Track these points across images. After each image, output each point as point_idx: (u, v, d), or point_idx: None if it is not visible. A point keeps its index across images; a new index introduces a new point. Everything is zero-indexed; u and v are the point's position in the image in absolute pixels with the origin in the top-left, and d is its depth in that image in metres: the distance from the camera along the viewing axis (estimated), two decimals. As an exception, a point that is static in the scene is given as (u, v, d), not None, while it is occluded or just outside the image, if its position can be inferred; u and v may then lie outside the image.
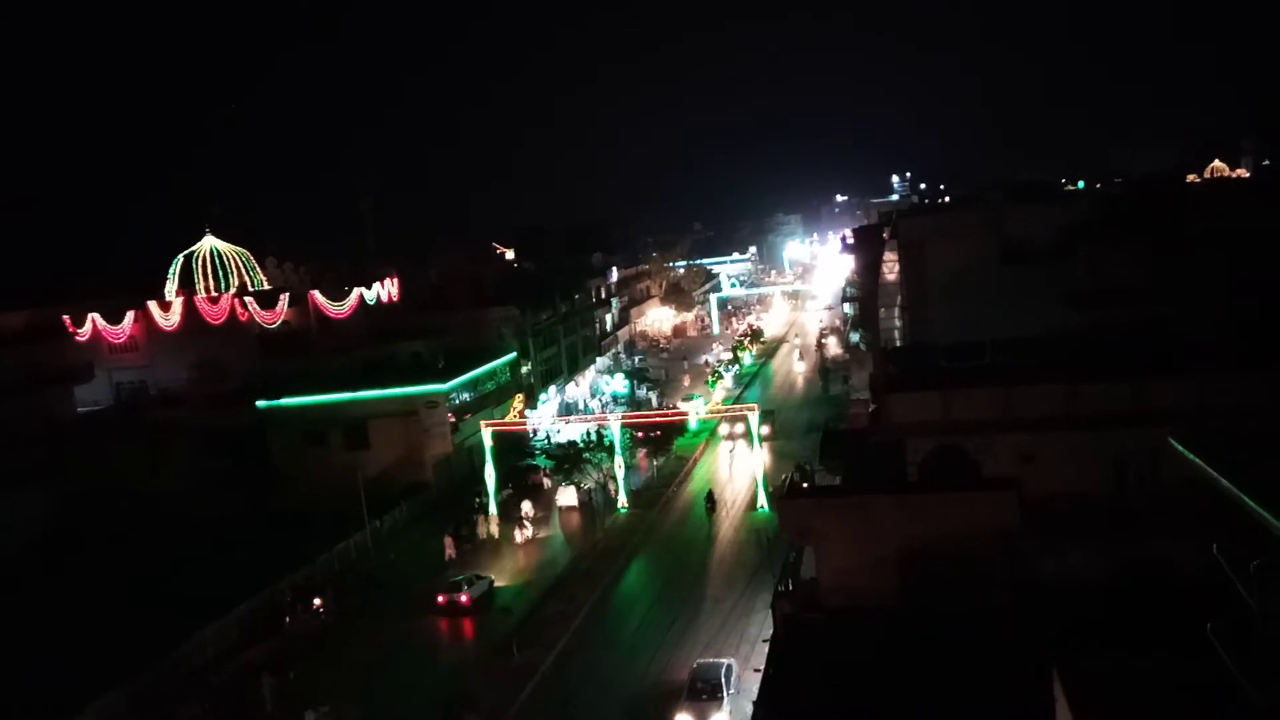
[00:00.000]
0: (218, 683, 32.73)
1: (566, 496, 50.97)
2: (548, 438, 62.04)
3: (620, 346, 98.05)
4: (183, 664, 33.78)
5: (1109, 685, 10.65)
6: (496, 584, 40.87)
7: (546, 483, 53.04)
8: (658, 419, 58.35)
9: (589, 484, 50.45)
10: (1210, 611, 9.28)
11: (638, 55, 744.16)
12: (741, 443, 58.88)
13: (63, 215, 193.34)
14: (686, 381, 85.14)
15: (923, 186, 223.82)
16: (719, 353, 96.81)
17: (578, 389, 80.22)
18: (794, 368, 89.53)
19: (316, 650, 35.61)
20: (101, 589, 40.22)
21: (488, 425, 51.83)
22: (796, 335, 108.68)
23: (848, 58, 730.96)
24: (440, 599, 38.76)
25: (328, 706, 30.48)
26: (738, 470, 56.18)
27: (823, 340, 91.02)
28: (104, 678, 31.48)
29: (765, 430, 54.30)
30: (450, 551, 44.30)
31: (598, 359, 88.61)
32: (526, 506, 48.30)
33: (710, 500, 48.22)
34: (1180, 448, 9.89)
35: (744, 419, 55.97)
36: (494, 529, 47.37)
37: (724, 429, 61.90)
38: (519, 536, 46.28)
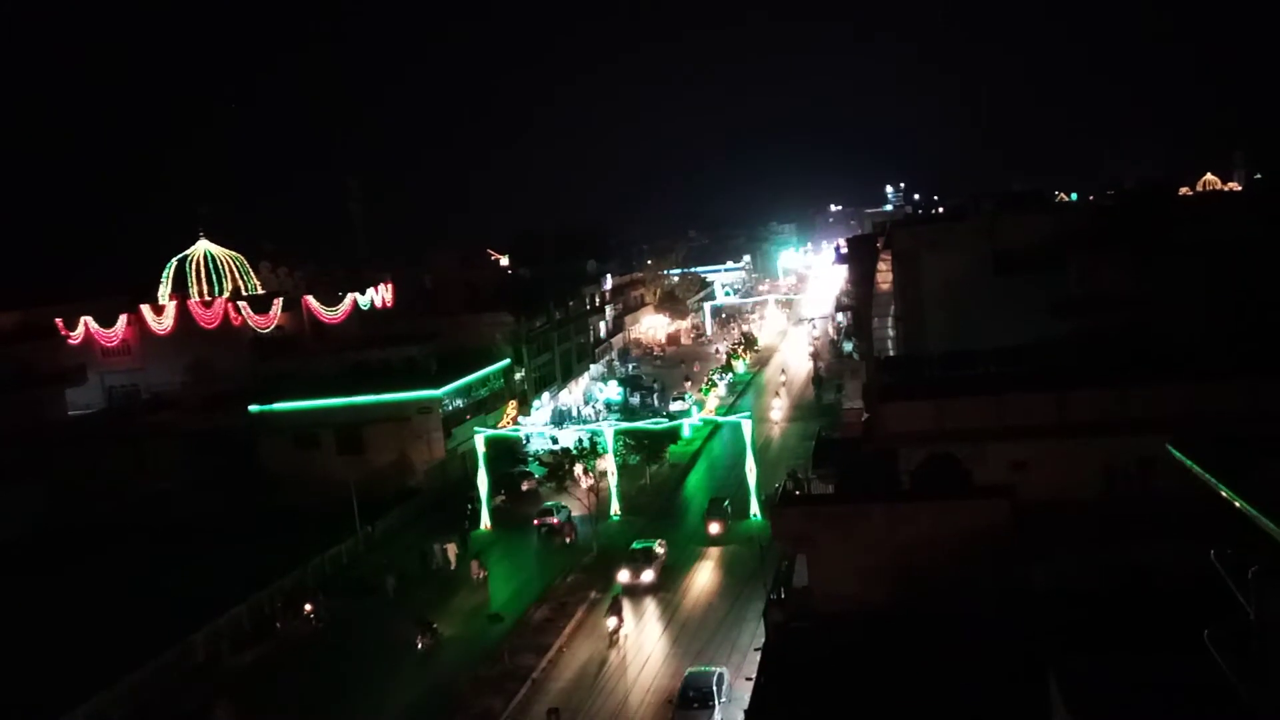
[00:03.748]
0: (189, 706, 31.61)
1: (606, 464, 51.84)
2: (553, 440, 61.97)
3: (614, 353, 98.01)
4: (171, 668, 33.54)
5: (1106, 687, 10.66)
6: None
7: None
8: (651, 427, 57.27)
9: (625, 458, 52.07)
10: (1203, 617, 9.32)
11: (632, 59, 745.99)
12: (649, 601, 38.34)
13: (56, 218, 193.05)
14: (693, 369, 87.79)
15: (916, 196, 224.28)
16: (723, 348, 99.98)
17: (571, 396, 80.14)
18: (770, 414, 70.15)
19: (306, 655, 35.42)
20: (91, 591, 40.00)
21: (481, 431, 51.74)
22: (782, 371, 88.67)
23: (844, 65, 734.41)
24: (536, 522, 47.08)
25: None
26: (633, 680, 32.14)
27: (815, 352, 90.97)
28: (92, 680, 31.22)
29: (716, 529, 44.68)
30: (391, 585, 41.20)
31: (592, 366, 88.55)
32: (578, 469, 51.34)
33: None
34: (1177, 454, 9.93)
35: (662, 549, 41.46)
36: (452, 558, 43.41)
37: (623, 575, 39.15)
38: (584, 484, 51.02)
